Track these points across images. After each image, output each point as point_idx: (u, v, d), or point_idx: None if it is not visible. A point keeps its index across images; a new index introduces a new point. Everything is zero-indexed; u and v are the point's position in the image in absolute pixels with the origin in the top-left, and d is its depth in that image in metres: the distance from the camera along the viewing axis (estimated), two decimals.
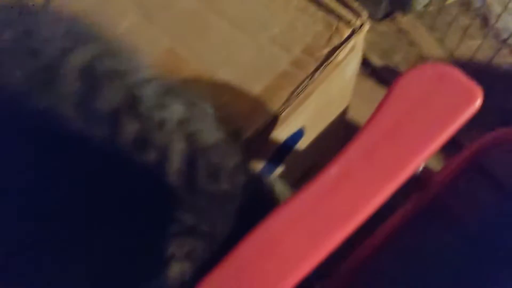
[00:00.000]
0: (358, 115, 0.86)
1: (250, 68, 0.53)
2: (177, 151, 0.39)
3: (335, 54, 0.50)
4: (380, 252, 0.58)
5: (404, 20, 0.97)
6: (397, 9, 0.97)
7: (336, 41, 0.51)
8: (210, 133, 0.42)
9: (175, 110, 0.41)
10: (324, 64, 0.51)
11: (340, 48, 0.50)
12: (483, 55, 0.92)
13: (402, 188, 0.56)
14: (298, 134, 0.58)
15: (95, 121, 0.37)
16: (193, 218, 0.38)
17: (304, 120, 0.56)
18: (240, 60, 0.53)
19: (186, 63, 0.54)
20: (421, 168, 0.40)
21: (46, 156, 0.37)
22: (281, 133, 0.53)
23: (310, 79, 0.50)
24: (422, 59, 0.94)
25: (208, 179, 0.39)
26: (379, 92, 0.96)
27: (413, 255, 0.54)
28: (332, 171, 0.38)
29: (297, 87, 0.50)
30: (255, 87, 0.51)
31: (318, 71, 0.50)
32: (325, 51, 0.51)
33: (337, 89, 0.58)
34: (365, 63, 0.93)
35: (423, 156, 0.37)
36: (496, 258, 0.48)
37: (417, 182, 0.57)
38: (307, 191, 0.38)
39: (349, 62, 0.53)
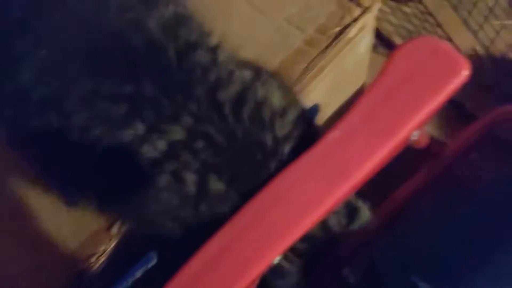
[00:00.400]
0: None
1: (268, 47, 0.57)
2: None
3: (345, 32, 0.55)
4: (392, 220, 0.61)
5: (430, 1, 0.99)
6: None
7: (347, 20, 0.55)
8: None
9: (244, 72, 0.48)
10: (335, 41, 0.55)
11: (351, 26, 0.54)
12: (508, 35, 0.93)
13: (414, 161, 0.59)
14: (314, 110, 0.63)
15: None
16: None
17: (319, 96, 0.61)
18: (259, 40, 0.58)
19: None
20: (416, 134, 0.43)
21: None
22: None
23: (323, 55, 0.55)
24: (447, 40, 0.96)
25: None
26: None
27: (427, 222, 0.57)
28: (335, 133, 0.42)
29: (310, 63, 0.55)
30: (272, 63, 0.56)
31: (330, 48, 0.55)
32: (337, 29, 0.55)
33: (351, 65, 0.62)
34: (389, 45, 0.96)
35: (416, 120, 0.41)
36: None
37: (428, 154, 0.60)
38: (314, 150, 0.43)
39: (360, 39, 0.57)
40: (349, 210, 0.49)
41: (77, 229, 0.56)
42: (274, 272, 0.47)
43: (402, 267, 0.51)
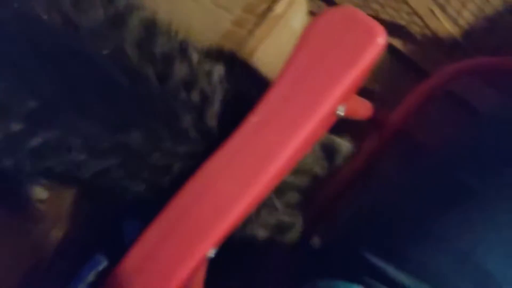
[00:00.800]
0: None
1: (198, 32, 0.55)
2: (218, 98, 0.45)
3: (273, 9, 0.52)
4: (348, 189, 0.60)
5: None
6: None
7: None
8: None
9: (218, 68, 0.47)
10: (264, 20, 0.52)
11: (277, 2, 0.52)
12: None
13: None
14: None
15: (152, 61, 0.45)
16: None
17: None
18: (188, 25, 0.55)
19: None
20: (342, 109, 0.41)
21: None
22: None
23: (251, 35, 0.52)
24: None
25: None
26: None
27: (385, 187, 0.56)
28: (254, 119, 0.40)
29: (239, 45, 0.52)
30: (225, 22, 0.54)
31: (258, 27, 0.52)
32: (264, 6, 0.53)
33: (287, 44, 0.59)
34: None
35: (336, 94, 0.39)
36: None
37: (374, 123, 0.58)
38: (233, 140, 0.41)
39: (292, 16, 0.55)
40: (327, 150, 0.50)
41: None
42: (277, 228, 0.48)
43: (351, 239, 0.50)
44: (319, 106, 0.39)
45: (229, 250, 0.47)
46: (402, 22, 0.62)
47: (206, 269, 0.46)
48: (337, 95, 0.39)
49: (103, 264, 0.55)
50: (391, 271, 0.44)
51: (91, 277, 0.57)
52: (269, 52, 0.56)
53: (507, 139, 0.45)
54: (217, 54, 0.50)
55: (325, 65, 0.38)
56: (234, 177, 0.40)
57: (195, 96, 0.44)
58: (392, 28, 0.64)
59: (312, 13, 0.58)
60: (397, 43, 0.69)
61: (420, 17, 0.64)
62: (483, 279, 0.41)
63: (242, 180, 0.40)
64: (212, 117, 0.44)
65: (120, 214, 0.54)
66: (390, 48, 0.70)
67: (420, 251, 0.44)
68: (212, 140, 0.43)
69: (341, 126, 0.57)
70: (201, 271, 0.46)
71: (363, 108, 0.50)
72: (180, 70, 0.45)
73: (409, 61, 0.69)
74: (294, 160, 0.42)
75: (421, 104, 0.59)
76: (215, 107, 0.45)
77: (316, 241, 0.57)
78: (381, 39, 0.38)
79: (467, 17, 0.68)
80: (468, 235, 0.43)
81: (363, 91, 0.63)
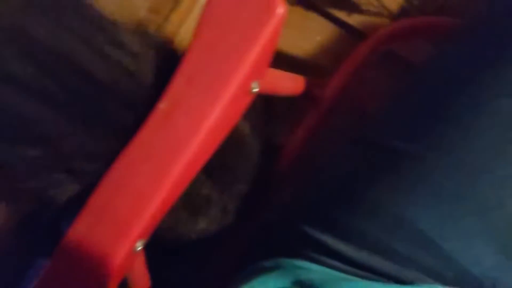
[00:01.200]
0: (288, 45, 0.85)
1: None
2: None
3: None
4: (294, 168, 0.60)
5: None
6: None
7: None
8: None
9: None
10: (179, 4, 0.51)
11: None
12: None
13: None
14: None
15: None
16: None
17: None
18: None
19: None
20: (257, 85, 0.40)
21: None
22: None
23: (167, 21, 0.51)
24: None
25: None
26: (311, 19, 0.95)
27: (322, 161, 0.55)
28: (162, 105, 0.39)
29: (157, 32, 0.51)
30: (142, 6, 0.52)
31: (174, 12, 0.51)
32: None
33: None
34: None
35: (244, 71, 0.38)
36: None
37: (310, 98, 0.58)
38: (144, 130, 0.39)
39: None
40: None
41: None
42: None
43: (291, 216, 0.50)
44: (226, 85, 0.38)
45: (169, 240, 0.46)
46: None
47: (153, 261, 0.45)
48: (244, 72, 0.38)
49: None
50: (332, 242, 0.44)
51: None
52: (188, 37, 0.55)
53: (436, 94, 0.45)
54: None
55: (227, 43, 0.37)
56: (150, 166, 0.39)
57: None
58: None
59: None
60: (342, 14, 0.69)
61: None
62: (419, 239, 0.41)
63: (158, 169, 0.39)
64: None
65: (57, 215, 0.53)
66: (336, 20, 0.70)
67: (356, 219, 0.44)
68: None
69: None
70: (139, 263, 0.45)
71: (287, 83, 0.49)
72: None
73: (356, 31, 0.69)
74: (213, 142, 0.41)
75: (361, 70, 0.59)
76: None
77: (259, 222, 0.57)
78: (280, 8, 0.37)
79: None
80: (400, 198, 0.43)
81: (310, 65, 0.62)
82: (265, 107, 0.54)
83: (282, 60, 0.69)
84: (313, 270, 0.43)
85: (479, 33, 0.44)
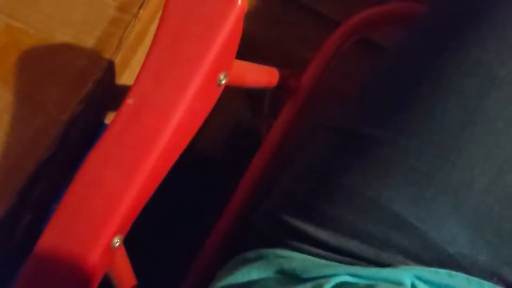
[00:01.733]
0: (264, 38, 0.85)
1: (84, 24, 0.53)
2: None
3: None
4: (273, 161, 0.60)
5: None
6: None
7: None
8: None
9: None
10: (147, 2, 0.51)
11: None
12: None
13: None
14: None
15: None
16: None
17: None
18: (73, 18, 0.53)
19: (25, 34, 0.54)
20: (224, 76, 0.40)
21: None
22: (131, 79, 0.54)
23: (137, 19, 0.51)
24: None
25: None
26: (289, 11, 0.95)
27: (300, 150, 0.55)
28: (129, 101, 0.39)
29: (125, 30, 0.51)
30: (90, 40, 0.52)
31: (142, 9, 0.51)
32: None
33: None
34: None
35: (208, 63, 0.38)
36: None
37: (288, 92, 0.58)
38: (113, 126, 0.39)
39: None
40: None
41: None
42: None
43: (272, 206, 0.50)
44: (191, 78, 0.38)
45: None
46: None
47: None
48: (209, 64, 0.38)
49: None
50: (312, 230, 0.44)
51: None
52: None
53: (401, 78, 0.45)
54: None
55: (189, 36, 0.37)
56: (121, 162, 0.39)
57: None
58: None
59: None
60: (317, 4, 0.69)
61: None
62: (394, 221, 0.42)
63: (129, 165, 0.39)
64: None
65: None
66: (312, 10, 0.70)
67: (333, 206, 0.44)
68: None
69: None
70: (120, 259, 0.45)
71: (257, 74, 0.49)
72: None
73: (331, 20, 0.69)
74: (184, 136, 0.41)
75: (341, 62, 0.59)
76: None
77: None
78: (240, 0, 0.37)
79: None
80: (374, 183, 0.43)
81: (290, 57, 0.62)
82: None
83: (259, 53, 0.69)
84: (295, 259, 0.43)
85: (438, 15, 0.45)
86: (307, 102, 0.59)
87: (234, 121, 0.73)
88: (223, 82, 0.41)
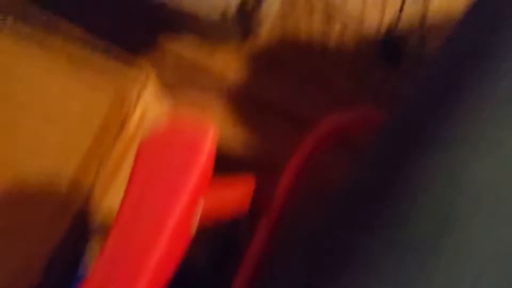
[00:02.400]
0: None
1: (60, 154, 0.54)
2: None
3: (130, 114, 0.52)
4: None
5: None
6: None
7: (127, 106, 0.53)
8: None
9: None
10: (122, 130, 0.52)
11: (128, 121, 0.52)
12: None
13: None
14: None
15: None
16: None
17: None
18: (49, 148, 0.54)
19: None
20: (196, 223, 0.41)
21: None
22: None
23: (113, 149, 0.52)
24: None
25: None
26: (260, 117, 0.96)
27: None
28: (114, 231, 0.39)
29: (102, 161, 0.52)
30: (67, 172, 0.52)
31: (118, 140, 0.52)
32: (120, 119, 0.53)
33: None
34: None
35: (176, 216, 0.39)
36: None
37: (261, 210, 0.58)
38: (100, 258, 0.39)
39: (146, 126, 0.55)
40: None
41: None
42: None
43: None
44: (160, 235, 0.38)
45: None
46: None
47: None
48: (180, 215, 0.38)
49: None
50: None
51: None
52: None
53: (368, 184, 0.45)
54: None
55: (159, 189, 0.38)
56: None
57: None
58: None
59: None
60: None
61: None
62: None
63: None
64: None
65: None
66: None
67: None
68: None
69: None
70: None
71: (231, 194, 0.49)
72: None
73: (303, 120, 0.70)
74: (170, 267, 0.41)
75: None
76: None
77: None
78: (211, 136, 0.38)
79: None
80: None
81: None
82: None
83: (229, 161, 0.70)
84: None
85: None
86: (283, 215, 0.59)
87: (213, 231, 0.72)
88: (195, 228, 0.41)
